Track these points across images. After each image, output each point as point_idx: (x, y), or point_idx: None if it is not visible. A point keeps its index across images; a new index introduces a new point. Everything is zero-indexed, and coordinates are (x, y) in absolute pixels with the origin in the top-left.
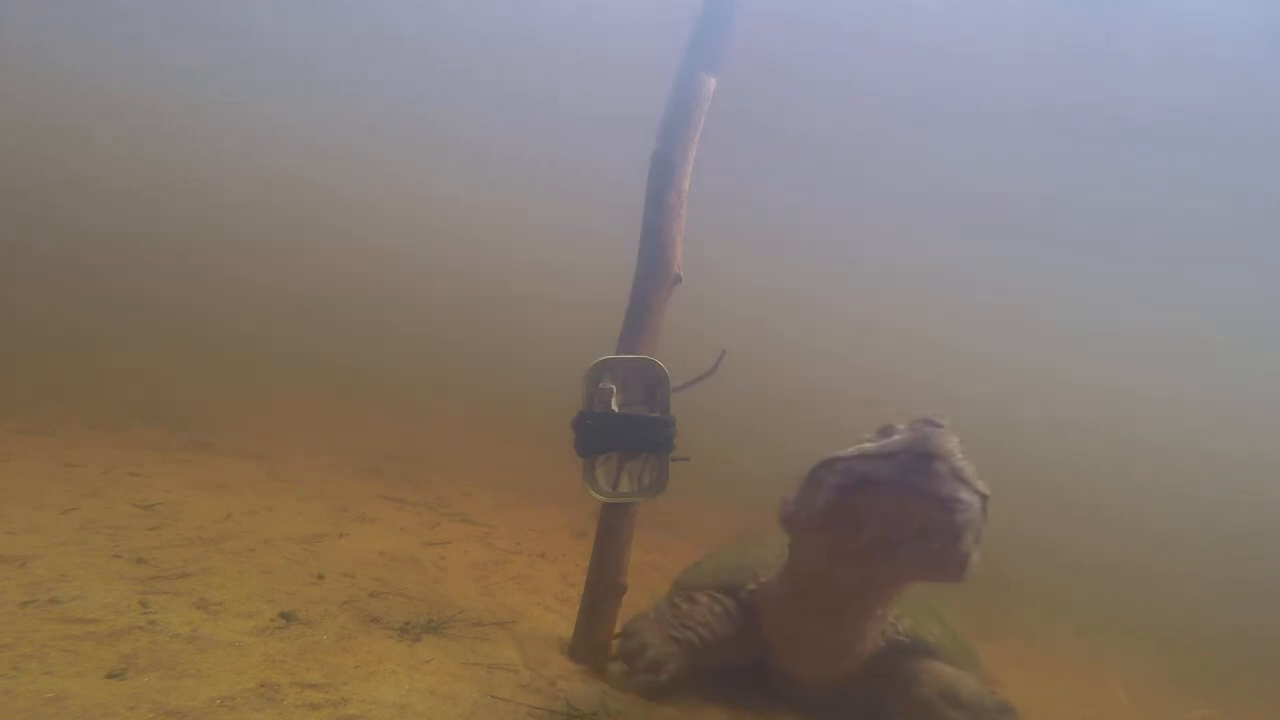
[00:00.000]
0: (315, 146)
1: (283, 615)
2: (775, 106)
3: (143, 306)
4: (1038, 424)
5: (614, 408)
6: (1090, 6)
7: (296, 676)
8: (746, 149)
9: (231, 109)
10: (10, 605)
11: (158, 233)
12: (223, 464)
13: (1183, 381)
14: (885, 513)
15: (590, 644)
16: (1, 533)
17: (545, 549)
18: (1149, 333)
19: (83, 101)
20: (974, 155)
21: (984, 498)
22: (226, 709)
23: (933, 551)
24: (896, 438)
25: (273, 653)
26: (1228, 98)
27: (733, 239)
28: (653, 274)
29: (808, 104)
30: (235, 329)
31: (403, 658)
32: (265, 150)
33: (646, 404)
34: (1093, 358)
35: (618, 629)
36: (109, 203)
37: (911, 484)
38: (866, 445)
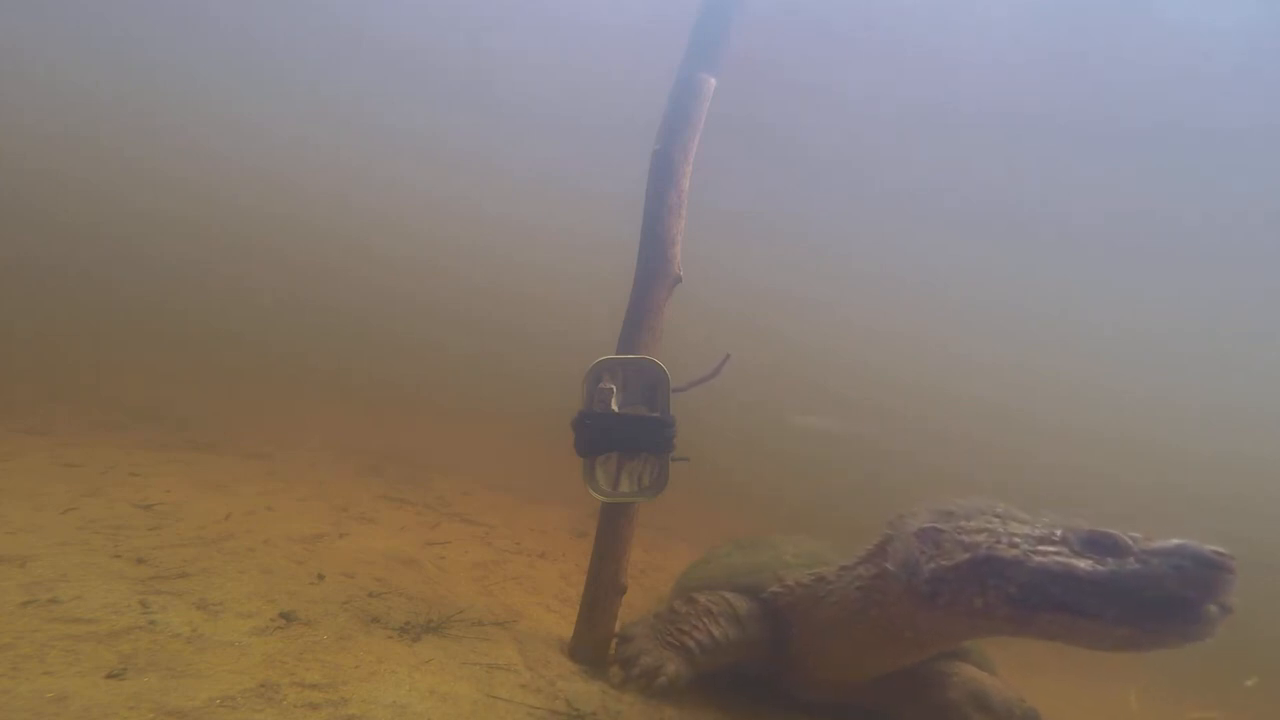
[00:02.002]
0: (316, 150)
1: (283, 615)
2: (776, 107)
3: (143, 308)
4: (1038, 424)
5: (614, 408)
6: (1091, 8)
7: (296, 676)
8: (747, 149)
9: (233, 114)
10: (10, 605)
11: (159, 235)
12: (223, 464)
13: (1182, 382)
14: (1097, 634)
15: (590, 644)
16: (1, 533)
17: (545, 549)
18: (1149, 333)
19: (79, 105)
20: (976, 157)
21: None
22: (226, 709)
23: (1144, 650)
24: (1136, 567)
25: (273, 653)
26: (1228, 99)
27: (734, 240)
28: (653, 274)
29: (809, 105)
30: (236, 330)
31: (403, 657)
32: (267, 155)
33: (646, 404)
34: (1093, 358)
35: (618, 629)
36: (109, 205)
37: (1173, 630)
38: (1078, 563)
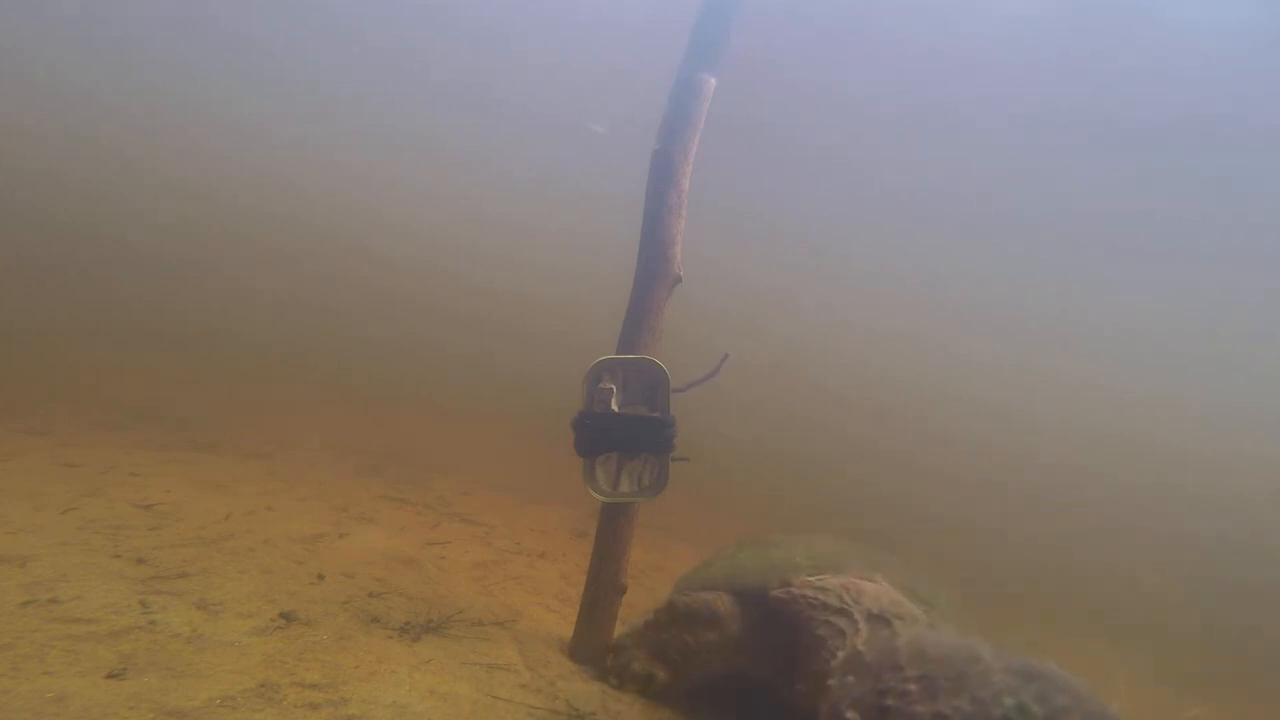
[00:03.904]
0: (316, 150)
1: (283, 615)
2: (776, 107)
3: (143, 308)
4: (1038, 424)
5: (614, 408)
6: (1092, 7)
7: (296, 676)
8: (747, 149)
9: (233, 114)
10: (10, 605)
11: (159, 235)
12: (223, 464)
13: (1182, 382)
14: None
15: (590, 644)
16: (1, 533)
17: (545, 549)
18: (1149, 333)
19: (79, 105)
20: (976, 157)
21: None
22: (226, 709)
23: None
24: None
25: (273, 653)
26: (1229, 99)
27: (734, 240)
28: (653, 274)
29: (809, 105)
30: (236, 330)
31: (403, 657)
32: (267, 155)
33: (646, 404)
34: (1093, 358)
35: (618, 631)
36: (109, 205)
37: None
38: None
